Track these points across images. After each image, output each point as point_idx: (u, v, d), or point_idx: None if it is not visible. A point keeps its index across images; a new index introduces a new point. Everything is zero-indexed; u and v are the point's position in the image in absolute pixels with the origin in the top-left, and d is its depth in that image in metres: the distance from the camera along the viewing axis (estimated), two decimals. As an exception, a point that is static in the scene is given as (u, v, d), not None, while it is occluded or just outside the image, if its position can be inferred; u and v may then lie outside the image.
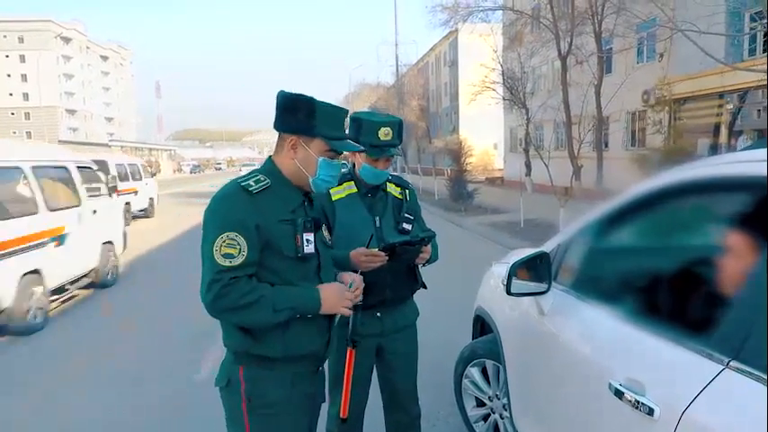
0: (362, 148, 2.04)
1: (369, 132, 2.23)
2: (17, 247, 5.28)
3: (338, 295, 1.79)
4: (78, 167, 7.15)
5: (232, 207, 1.67)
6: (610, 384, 1.52)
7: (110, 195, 8.22)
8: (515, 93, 21.37)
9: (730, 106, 14.95)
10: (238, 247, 1.63)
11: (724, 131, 15.15)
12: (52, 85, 74.49)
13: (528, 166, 22.98)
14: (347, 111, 1.79)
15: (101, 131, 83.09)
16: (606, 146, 18.96)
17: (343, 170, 2.11)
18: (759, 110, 14.62)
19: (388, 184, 2.43)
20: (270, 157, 1.86)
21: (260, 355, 1.74)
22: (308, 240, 1.76)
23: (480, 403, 3.09)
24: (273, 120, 1.80)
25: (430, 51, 48.62)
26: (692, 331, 1.40)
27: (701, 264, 1.57)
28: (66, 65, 78.64)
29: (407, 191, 2.49)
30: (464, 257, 8.42)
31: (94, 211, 7.21)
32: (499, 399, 2.90)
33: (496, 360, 2.83)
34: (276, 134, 1.83)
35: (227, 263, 1.61)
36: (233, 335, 1.75)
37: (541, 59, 22.21)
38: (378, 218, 2.36)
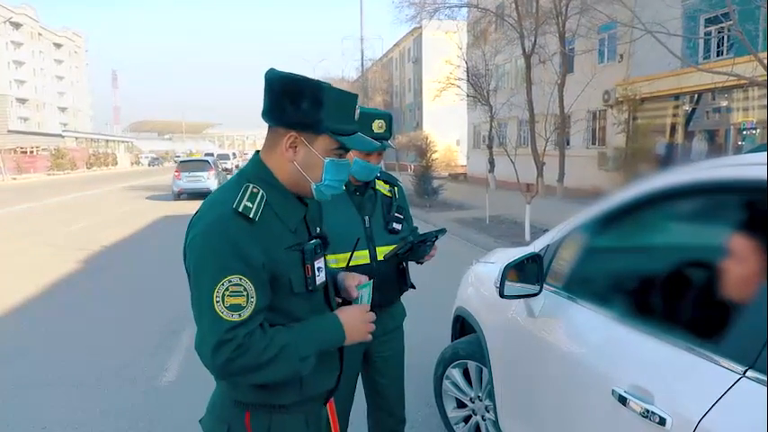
0: (379, 144, 1.83)
1: (362, 124, 2.09)
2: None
3: (361, 320, 1.50)
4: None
5: (230, 242, 1.28)
6: (613, 391, 1.49)
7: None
8: (479, 90, 21.57)
9: (686, 107, 15.47)
10: (245, 293, 1.27)
11: (680, 132, 15.68)
12: (1, 72, 71.20)
13: (491, 162, 23.25)
14: (357, 96, 1.45)
15: (54, 121, 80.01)
16: (568, 144, 19.34)
17: None
18: (708, 111, 15.18)
19: (376, 181, 2.34)
20: (257, 154, 1.45)
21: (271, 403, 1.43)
22: (319, 268, 1.44)
23: (461, 404, 3.06)
24: (263, 108, 1.39)
25: (394, 47, 48.58)
26: (701, 337, 1.38)
27: (704, 268, 1.56)
28: (16, 51, 75.14)
29: (396, 188, 2.41)
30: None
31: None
32: (481, 400, 2.87)
33: (480, 362, 2.79)
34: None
35: (235, 317, 1.26)
36: (238, 387, 1.41)
37: (506, 57, 22.48)
38: (367, 217, 2.26)
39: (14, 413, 3.72)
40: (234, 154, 48.16)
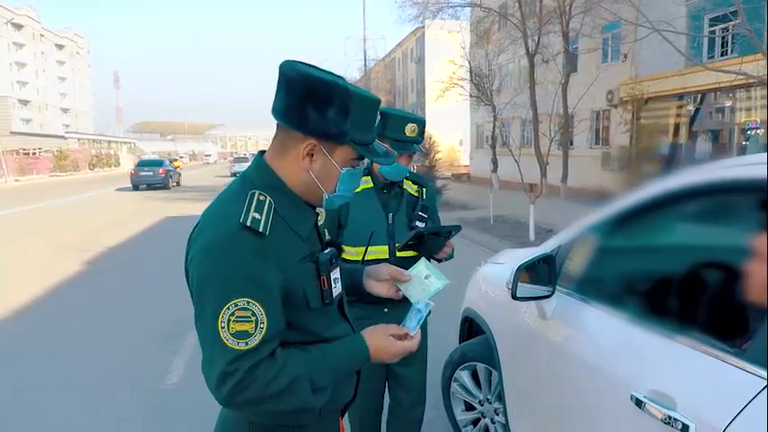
0: (394, 160, 1.81)
1: (395, 127, 2.22)
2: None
3: (391, 348, 1.33)
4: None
5: (238, 261, 1.14)
6: (632, 396, 1.45)
7: None
8: (482, 90, 21.53)
9: (690, 107, 15.40)
10: (253, 318, 1.13)
11: (684, 132, 15.62)
12: (3, 73, 71.32)
13: (494, 162, 23.20)
14: (380, 102, 1.32)
15: (56, 123, 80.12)
16: (572, 144, 19.29)
17: None
18: (711, 112, 15.12)
19: (405, 181, 2.40)
20: (261, 156, 1.31)
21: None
22: (335, 279, 1.30)
23: (469, 407, 3.02)
24: (275, 105, 1.23)
25: (397, 47, 48.59)
26: (724, 342, 1.34)
27: (726, 269, 1.52)
28: (18, 53, 75.28)
29: (424, 189, 2.47)
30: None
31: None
32: (490, 403, 2.83)
33: (489, 364, 2.75)
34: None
35: (241, 345, 1.12)
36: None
37: (509, 57, 22.43)
38: (391, 214, 2.33)
39: (16, 417, 3.69)
40: (253, 155, 64.62)
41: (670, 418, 1.31)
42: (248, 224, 1.15)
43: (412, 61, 44.85)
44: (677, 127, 15.87)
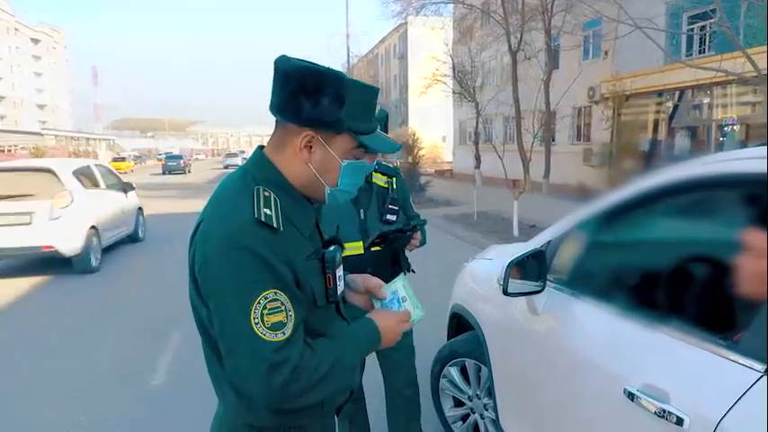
0: (398, 148, 1.76)
1: None
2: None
3: (397, 327, 1.36)
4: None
5: (256, 254, 1.11)
6: (625, 389, 1.46)
7: None
8: (465, 86, 21.60)
9: (669, 104, 15.64)
10: (283, 308, 1.12)
11: (663, 128, 15.86)
12: (-24, 69, 69.87)
13: (478, 159, 23.32)
14: (378, 90, 1.29)
15: (31, 119, 78.61)
16: (553, 140, 19.47)
17: None
18: (689, 109, 15.37)
19: (373, 173, 2.42)
20: (261, 150, 1.28)
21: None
22: (339, 277, 1.30)
23: (459, 403, 3.03)
24: (272, 101, 1.21)
25: (380, 43, 48.54)
26: (717, 335, 1.35)
27: (718, 263, 1.54)
28: (-9, 47, 73.91)
29: (394, 179, 2.50)
30: (421, 250, 8.38)
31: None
32: (480, 398, 2.84)
33: (478, 359, 2.76)
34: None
35: (279, 336, 1.11)
36: (261, 413, 1.23)
37: (491, 54, 22.54)
38: (362, 210, 2.37)
39: (9, 419, 3.62)
40: (242, 150, 63.64)
41: (664, 411, 1.32)
42: (262, 219, 1.13)
43: (395, 57, 44.84)
44: (657, 123, 16.11)
